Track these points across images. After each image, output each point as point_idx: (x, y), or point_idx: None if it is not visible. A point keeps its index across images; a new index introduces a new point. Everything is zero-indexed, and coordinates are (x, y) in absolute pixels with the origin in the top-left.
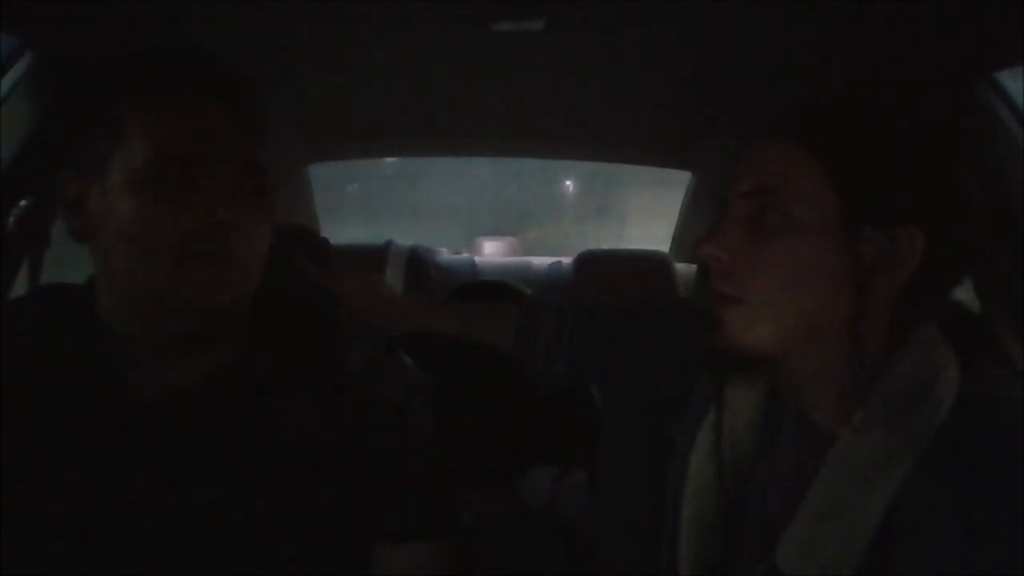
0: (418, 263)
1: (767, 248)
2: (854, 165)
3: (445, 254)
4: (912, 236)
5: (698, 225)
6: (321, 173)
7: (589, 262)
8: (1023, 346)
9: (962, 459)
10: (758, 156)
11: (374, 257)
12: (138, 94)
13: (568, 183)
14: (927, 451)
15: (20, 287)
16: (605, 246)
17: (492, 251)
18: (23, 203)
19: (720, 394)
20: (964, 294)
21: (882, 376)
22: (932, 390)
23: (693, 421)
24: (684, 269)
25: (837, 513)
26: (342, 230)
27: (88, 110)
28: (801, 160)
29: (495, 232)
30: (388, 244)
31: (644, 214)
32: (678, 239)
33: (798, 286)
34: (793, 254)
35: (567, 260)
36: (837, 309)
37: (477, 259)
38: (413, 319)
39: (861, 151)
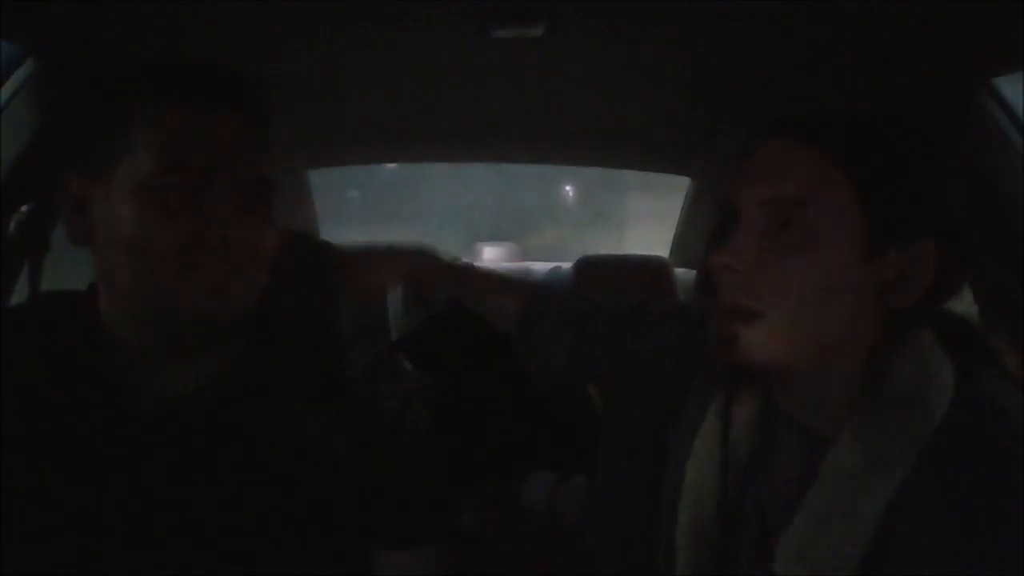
0: None
1: (790, 262)
2: (883, 183)
3: None
4: (928, 253)
5: (697, 230)
6: (320, 178)
7: (589, 267)
8: (1016, 350)
9: (958, 461)
10: (777, 163)
11: None
12: (151, 102)
13: (568, 188)
14: (923, 455)
15: (20, 293)
16: (605, 251)
17: (492, 256)
18: (24, 209)
19: (728, 407)
20: (963, 299)
21: (878, 382)
22: (927, 395)
23: (689, 427)
24: (683, 274)
25: (834, 517)
26: (342, 236)
27: (100, 113)
28: (827, 172)
29: (495, 237)
30: None
31: (643, 219)
32: (677, 244)
33: (819, 302)
34: (816, 270)
35: (567, 265)
36: (853, 324)
37: (477, 264)
38: (424, 271)
39: (890, 169)
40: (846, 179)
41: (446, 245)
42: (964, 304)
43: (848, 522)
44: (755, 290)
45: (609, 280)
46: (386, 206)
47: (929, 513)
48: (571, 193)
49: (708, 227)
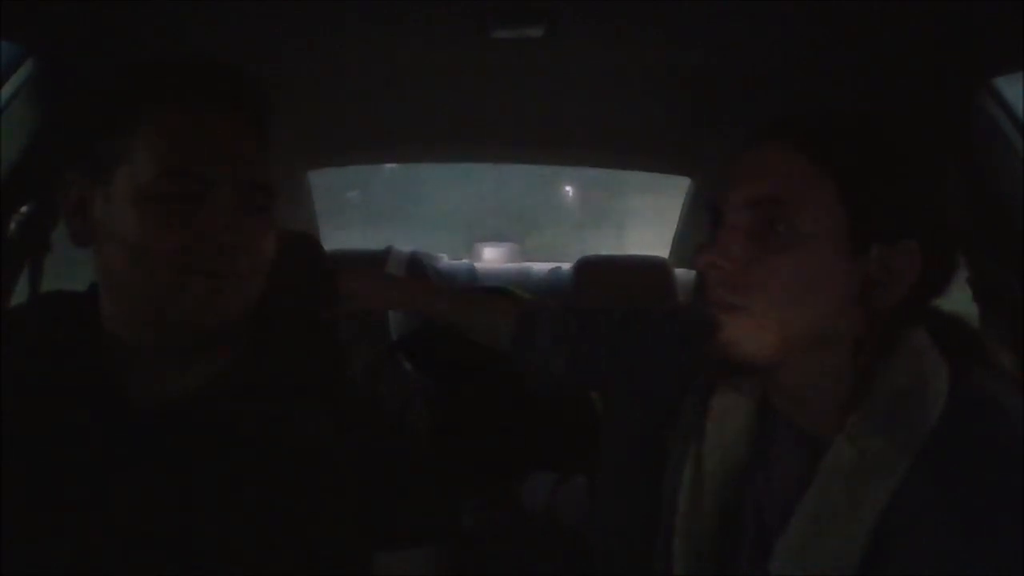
0: (418, 269)
1: (774, 260)
2: (866, 181)
3: (445, 260)
4: (912, 251)
5: (697, 231)
6: (321, 179)
7: (589, 268)
8: (1013, 350)
9: (955, 461)
10: (761, 164)
11: (374, 263)
12: (152, 103)
13: (568, 189)
14: (920, 455)
15: (20, 293)
16: (605, 252)
17: (492, 257)
18: (24, 209)
19: (708, 401)
20: (964, 299)
21: (873, 382)
22: (923, 395)
23: (685, 429)
24: (683, 275)
25: (832, 518)
26: (342, 236)
27: (98, 117)
28: (811, 172)
29: (495, 238)
30: (388, 250)
31: (643, 220)
32: (677, 245)
33: (803, 299)
34: (800, 267)
35: (567, 266)
36: (838, 322)
37: (477, 265)
38: (414, 301)
39: (873, 167)
40: (829, 177)
41: (446, 245)
42: (964, 304)
43: (846, 523)
44: (740, 287)
45: (609, 281)
46: (386, 206)
47: (927, 513)
48: (571, 193)
49: (705, 228)
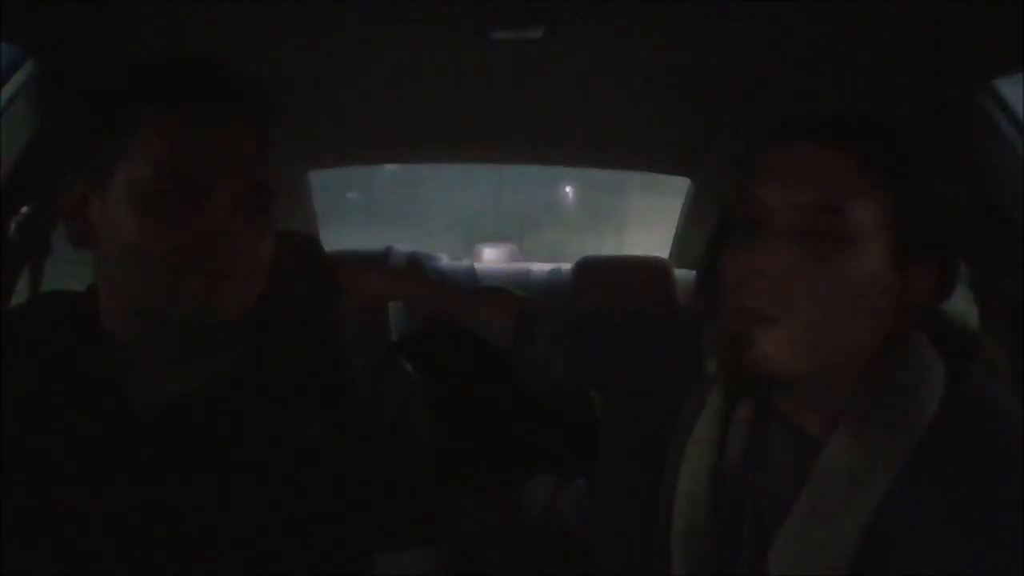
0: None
1: (823, 269)
2: (918, 198)
3: (445, 260)
4: (932, 267)
5: (698, 231)
6: (320, 179)
7: (589, 268)
8: (1013, 350)
9: (952, 460)
10: (813, 165)
11: (374, 264)
12: (150, 104)
13: (568, 190)
14: (916, 453)
15: (20, 295)
16: (604, 252)
17: (492, 257)
18: (24, 211)
19: (707, 400)
20: (964, 302)
21: (870, 381)
22: (918, 393)
23: (684, 431)
24: (683, 275)
25: (827, 516)
26: (342, 236)
27: (97, 117)
28: (864, 180)
29: (495, 238)
30: (388, 250)
31: (643, 220)
32: (677, 246)
33: (846, 312)
34: (847, 279)
35: (567, 266)
36: (868, 335)
37: (477, 265)
38: (416, 293)
39: (923, 181)
40: (882, 187)
41: (446, 246)
42: (964, 305)
43: (840, 520)
44: (780, 296)
45: (609, 281)
46: (386, 207)
47: (923, 512)
48: (571, 194)
49: (709, 228)
